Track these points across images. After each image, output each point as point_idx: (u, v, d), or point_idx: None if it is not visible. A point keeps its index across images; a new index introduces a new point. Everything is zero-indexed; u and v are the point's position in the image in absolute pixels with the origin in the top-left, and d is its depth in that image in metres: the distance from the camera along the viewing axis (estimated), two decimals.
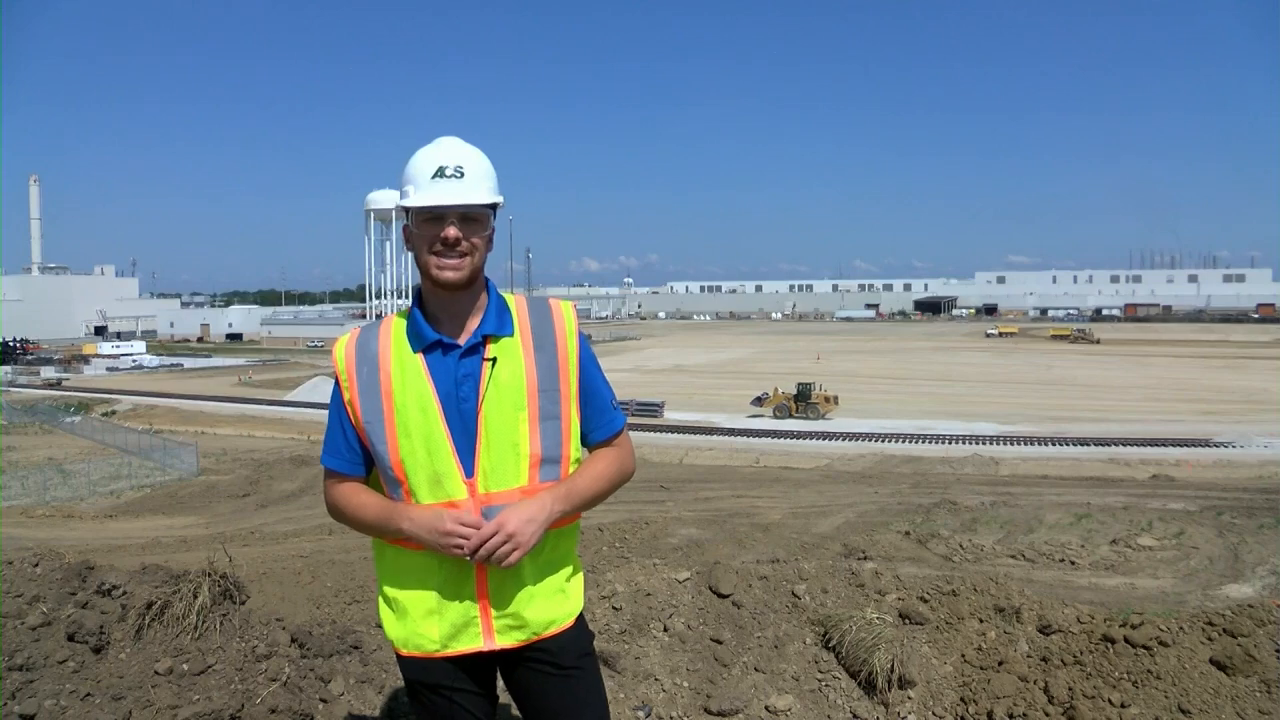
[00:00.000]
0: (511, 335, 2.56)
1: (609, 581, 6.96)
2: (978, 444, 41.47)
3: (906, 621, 5.23)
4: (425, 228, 2.48)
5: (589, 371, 2.65)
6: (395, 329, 2.56)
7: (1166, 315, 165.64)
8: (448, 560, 2.48)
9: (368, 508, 2.56)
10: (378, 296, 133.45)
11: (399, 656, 2.65)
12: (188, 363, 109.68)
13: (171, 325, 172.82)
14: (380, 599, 2.66)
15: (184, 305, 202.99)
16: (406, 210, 2.51)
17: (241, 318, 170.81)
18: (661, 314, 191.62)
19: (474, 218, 2.50)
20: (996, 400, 55.56)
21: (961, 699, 4.73)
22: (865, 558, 15.80)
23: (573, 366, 2.61)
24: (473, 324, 2.54)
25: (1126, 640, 4.70)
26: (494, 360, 2.52)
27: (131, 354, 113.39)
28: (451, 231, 2.46)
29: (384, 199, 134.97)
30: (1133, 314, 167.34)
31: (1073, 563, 18.53)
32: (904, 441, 42.49)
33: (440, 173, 2.48)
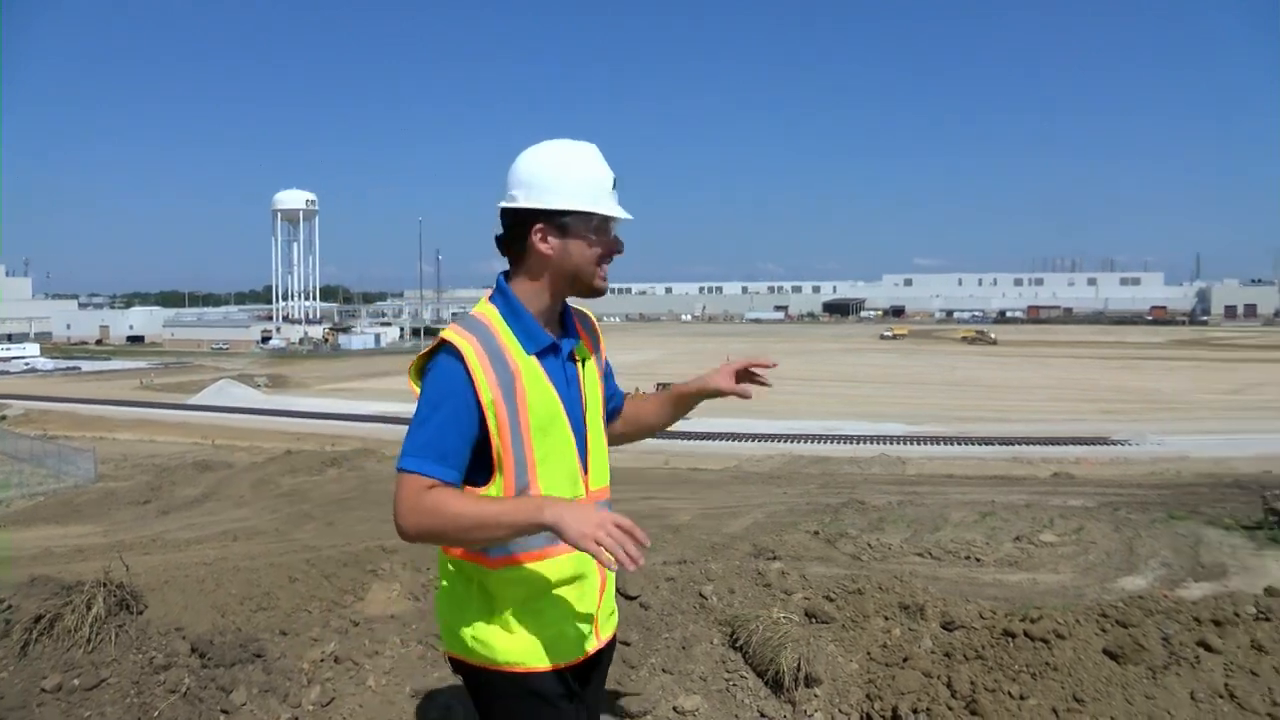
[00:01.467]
0: (581, 340, 2.65)
1: None
2: (885, 444, 42.00)
3: (813, 620, 5.28)
4: (601, 235, 2.48)
5: (608, 366, 2.84)
6: (500, 327, 2.45)
7: (1067, 317, 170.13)
8: (574, 561, 2.46)
9: (485, 505, 2.27)
10: (285, 298, 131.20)
11: (511, 675, 2.45)
12: (85, 366, 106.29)
13: (68, 327, 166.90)
14: (491, 626, 2.45)
15: (81, 306, 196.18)
16: (567, 212, 2.43)
17: (143, 319, 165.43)
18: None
19: None
20: (903, 401, 56.40)
21: (867, 696, 4.79)
22: (774, 557, 15.91)
23: (601, 367, 2.76)
24: (560, 328, 2.59)
25: (1026, 634, 4.81)
26: (583, 362, 2.62)
27: (24, 356, 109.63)
28: (620, 243, 2.53)
29: (291, 199, 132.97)
30: (1035, 316, 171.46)
31: (978, 560, 18.86)
32: (812, 442, 42.90)
33: (616, 184, 2.50)
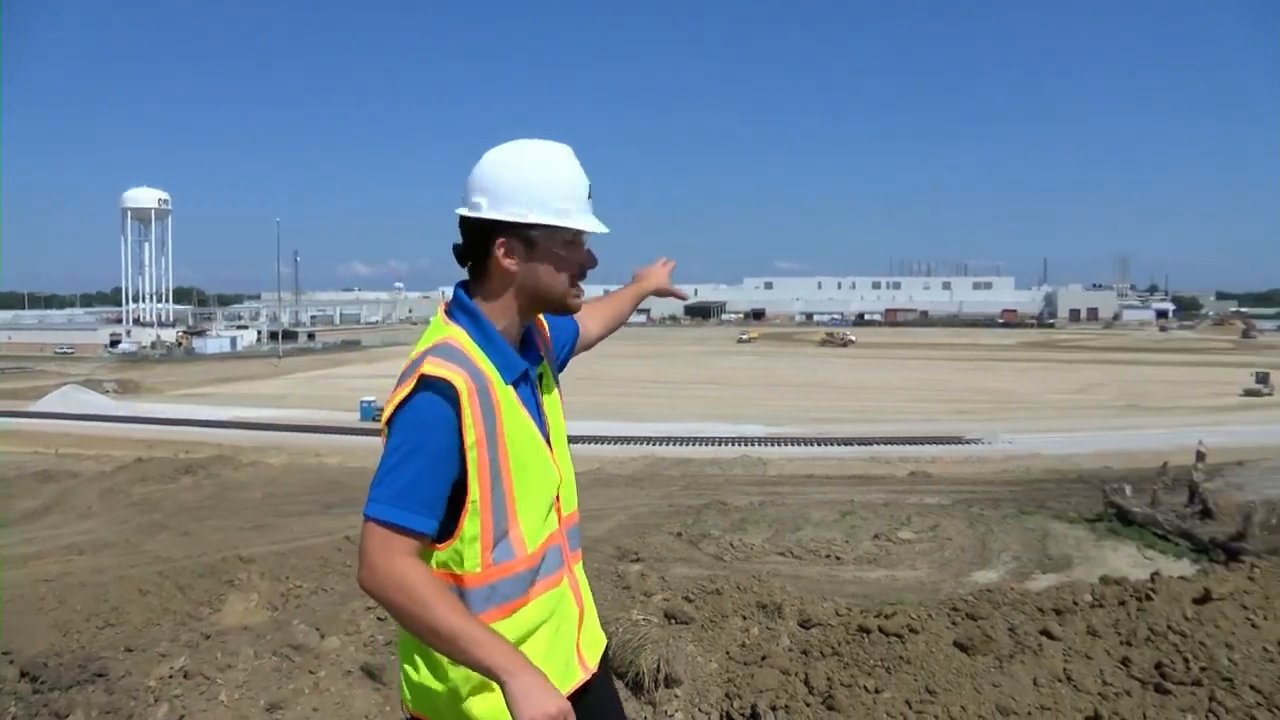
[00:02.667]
0: (541, 358, 2.44)
1: None
2: (746, 446, 42.42)
3: (672, 621, 5.31)
4: (572, 250, 2.25)
5: (555, 323, 2.62)
6: (477, 356, 2.19)
7: (923, 320, 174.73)
8: (550, 600, 2.26)
9: (449, 613, 1.99)
10: (135, 300, 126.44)
11: None
12: None
13: None
14: (465, 683, 2.18)
15: None
16: (534, 226, 2.20)
17: None
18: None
19: None
20: (764, 402, 57.09)
21: (726, 694, 4.83)
22: (637, 559, 15.99)
23: (553, 353, 2.58)
24: (519, 348, 2.34)
25: (880, 630, 4.92)
26: (542, 379, 2.41)
27: None
28: (594, 257, 2.31)
29: (142, 197, 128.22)
30: (893, 319, 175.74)
31: (838, 558, 19.27)
32: (674, 444, 43.15)
33: (590, 194, 2.27)
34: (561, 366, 2.66)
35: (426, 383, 2.08)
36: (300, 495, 28.60)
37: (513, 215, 2.17)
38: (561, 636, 2.30)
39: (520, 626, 2.19)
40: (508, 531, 2.16)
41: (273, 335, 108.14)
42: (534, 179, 2.20)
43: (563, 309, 2.32)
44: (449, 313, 2.29)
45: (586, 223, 2.23)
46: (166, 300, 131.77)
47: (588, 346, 2.94)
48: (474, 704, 2.18)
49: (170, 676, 5.36)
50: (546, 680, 1.95)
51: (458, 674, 2.17)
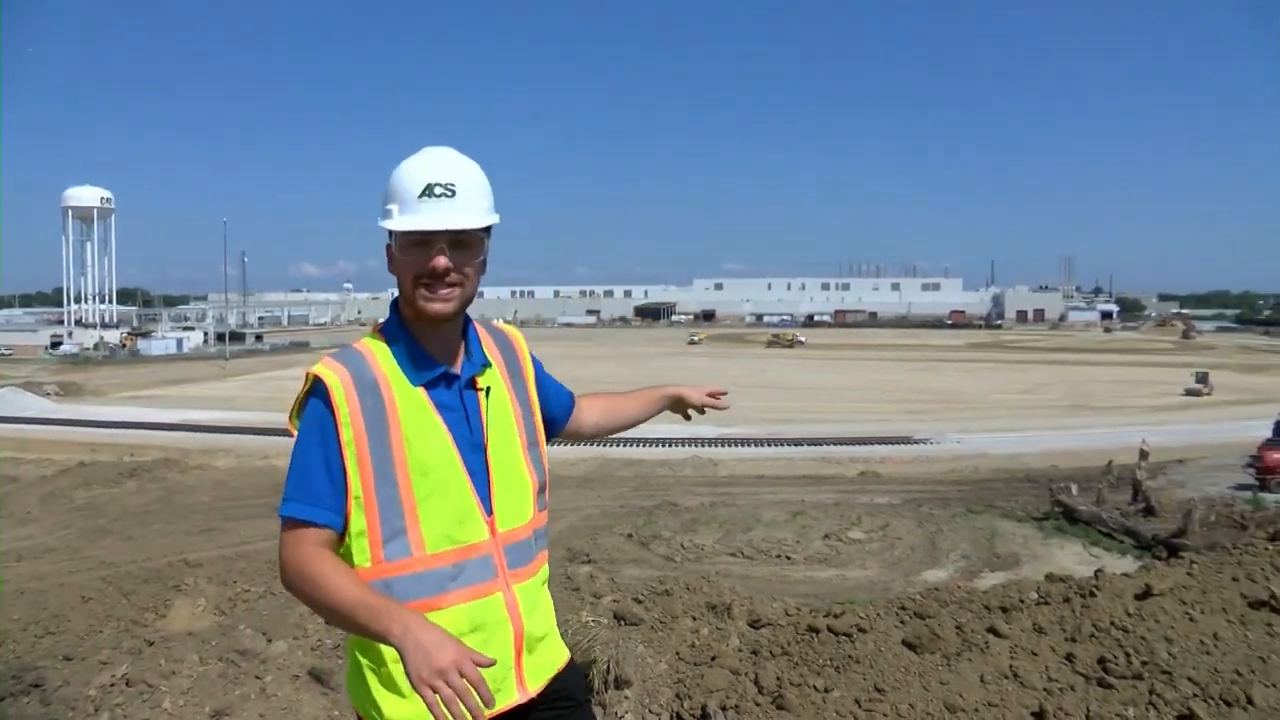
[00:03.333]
0: (491, 365, 2.41)
1: None
2: (697, 446, 42.39)
3: (622, 622, 5.31)
4: (411, 253, 2.21)
5: (542, 380, 2.63)
6: (382, 356, 2.24)
7: (872, 321, 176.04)
8: (471, 611, 2.22)
9: (347, 590, 2.00)
10: (77, 300, 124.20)
11: None
12: None
13: None
14: (373, 675, 2.21)
15: None
16: (390, 231, 2.23)
17: None
18: (382, 320, 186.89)
19: (466, 243, 2.23)
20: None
21: (676, 695, 4.83)
22: (588, 561, 16.00)
23: (533, 390, 2.54)
24: (460, 352, 2.35)
25: (829, 629, 4.95)
26: (488, 390, 2.36)
27: None
28: (441, 261, 2.19)
29: (84, 195, 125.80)
30: (842, 320, 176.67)
31: (789, 558, 19.41)
32: (625, 445, 42.99)
33: (429, 191, 2.18)
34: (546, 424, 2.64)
35: (310, 383, 2.19)
36: (249, 498, 28.29)
37: (378, 223, 2.25)
38: (489, 653, 2.13)
39: None
40: (404, 530, 2.17)
41: (220, 336, 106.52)
42: (387, 184, 2.25)
43: (418, 314, 2.25)
44: (384, 320, 2.36)
45: (403, 222, 2.20)
46: (110, 301, 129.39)
47: (579, 433, 2.96)
48: (383, 700, 2.20)
49: (111, 685, 5.27)
50: (441, 633, 1.90)
51: (371, 669, 2.22)
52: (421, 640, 1.86)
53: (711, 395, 3.07)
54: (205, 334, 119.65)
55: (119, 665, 5.47)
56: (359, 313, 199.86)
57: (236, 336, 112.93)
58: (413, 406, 2.20)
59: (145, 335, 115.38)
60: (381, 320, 2.36)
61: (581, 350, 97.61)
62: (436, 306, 2.22)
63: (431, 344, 2.28)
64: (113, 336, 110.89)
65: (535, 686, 2.36)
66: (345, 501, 2.15)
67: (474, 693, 1.82)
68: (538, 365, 2.62)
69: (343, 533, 2.17)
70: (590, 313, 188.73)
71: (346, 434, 2.13)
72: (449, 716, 1.78)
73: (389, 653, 2.11)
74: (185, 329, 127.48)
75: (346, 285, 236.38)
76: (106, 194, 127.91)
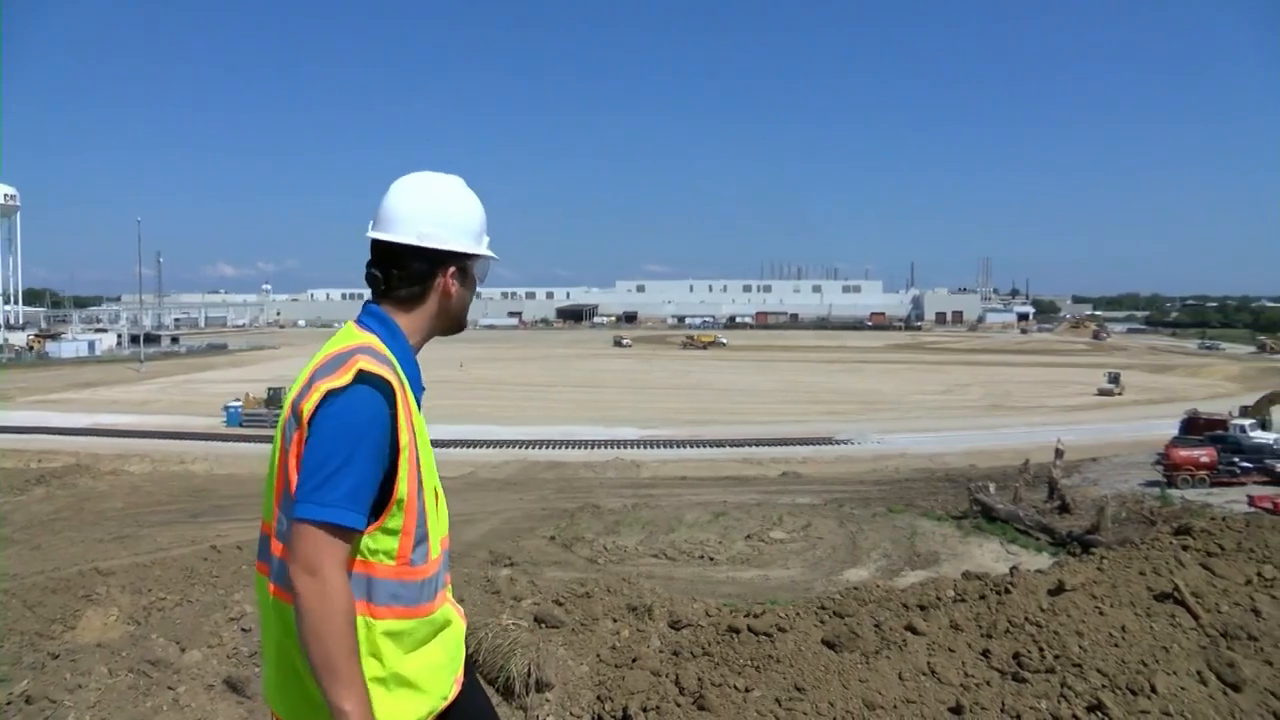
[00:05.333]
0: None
1: (237, 602, 6.61)
2: (619, 448, 42.49)
3: (543, 625, 5.28)
4: (481, 277, 2.49)
5: None
6: (396, 366, 2.23)
7: (794, 323, 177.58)
8: (448, 607, 2.35)
9: (352, 650, 2.04)
10: None
11: None
12: None
13: None
14: (385, 687, 2.18)
15: None
16: (465, 255, 2.41)
17: None
18: (302, 322, 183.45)
19: None
20: (637, 405, 57.10)
21: (598, 697, 4.82)
22: (511, 564, 15.91)
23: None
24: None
25: (750, 629, 4.97)
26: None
27: None
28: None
29: None
30: (764, 321, 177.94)
31: (711, 559, 19.49)
32: (547, 447, 42.99)
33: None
34: None
35: (365, 377, 2.09)
36: (165, 504, 27.73)
37: (464, 247, 2.38)
38: (455, 646, 2.37)
39: (423, 632, 2.24)
40: (426, 537, 2.22)
41: (134, 339, 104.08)
42: (472, 214, 2.43)
43: (461, 328, 2.50)
44: (361, 322, 2.32)
45: (491, 251, 2.48)
46: (15, 301, 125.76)
47: None
48: (406, 700, 2.21)
49: (9, 703, 5.10)
50: None
51: (391, 681, 2.21)
52: None
53: None
54: (119, 336, 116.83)
55: (18, 682, 5.29)
56: (278, 314, 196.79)
57: (151, 338, 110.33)
58: (419, 417, 2.26)
59: (54, 337, 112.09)
60: (365, 324, 2.32)
61: (504, 352, 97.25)
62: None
63: (416, 358, 2.38)
64: (19, 338, 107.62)
65: (464, 670, 2.48)
66: (389, 504, 2.15)
67: None
68: None
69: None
70: (512, 314, 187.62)
71: (405, 437, 2.13)
72: None
73: (385, 660, 2.17)
74: (97, 331, 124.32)
75: (265, 286, 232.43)
76: (10, 190, 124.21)
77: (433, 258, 2.33)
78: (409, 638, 2.20)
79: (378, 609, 2.15)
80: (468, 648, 2.63)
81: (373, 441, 2.06)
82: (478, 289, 2.52)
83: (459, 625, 2.40)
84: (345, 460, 2.02)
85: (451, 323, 2.45)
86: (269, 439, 2.33)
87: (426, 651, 2.25)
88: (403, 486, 2.13)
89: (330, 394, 2.06)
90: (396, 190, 2.36)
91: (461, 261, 2.38)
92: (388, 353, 2.21)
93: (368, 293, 2.39)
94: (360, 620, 2.12)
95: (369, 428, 2.06)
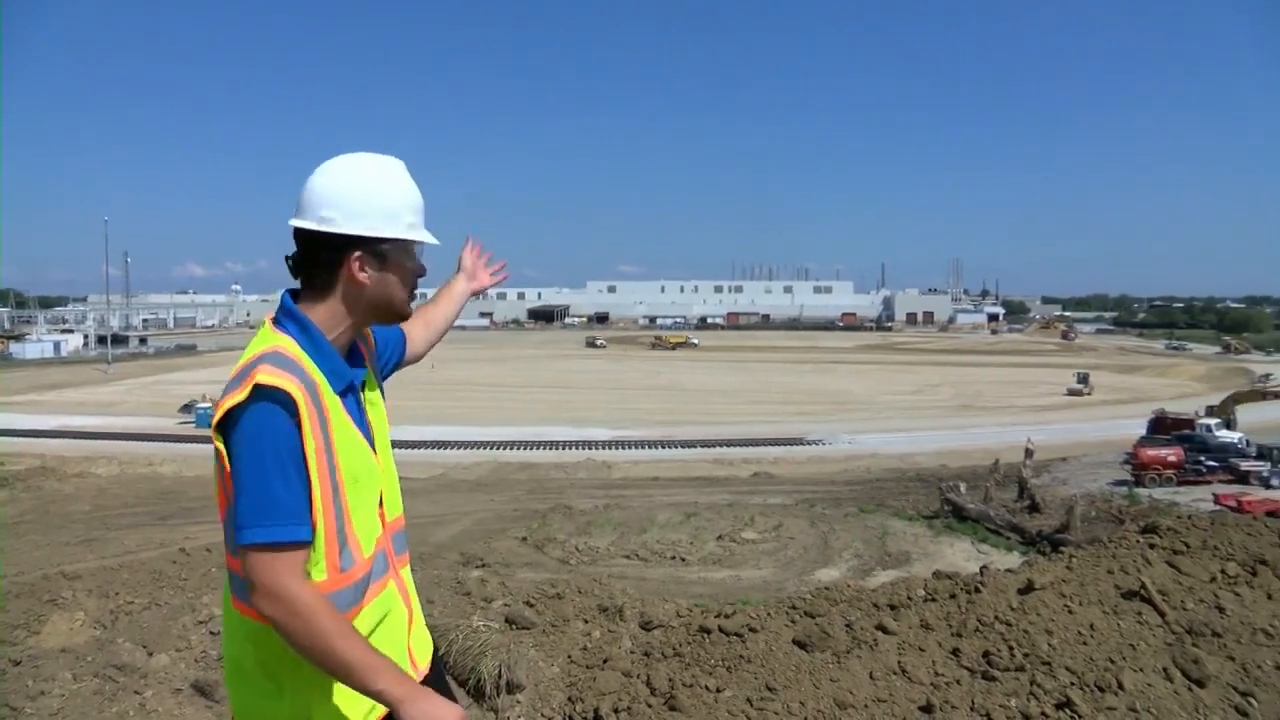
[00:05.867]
0: (366, 368, 2.43)
1: (205, 605, 6.57)
2: (591, 449, 42.49)
3: (513, 627, 5.26)
4: (413, 261, 2.33)
5: (379, 338, 2.63)
6: (308, 363, 2.16)
7: (765, 323, 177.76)
8: (380, 603, 2.27)
9: (349, 641, 2.02)
10: None
11: None
12: None
13: None
14: (301, 692, 2.17)
15: None
16: (387, 240, 2.25)
17: None
18: (275, 321, 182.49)
19: None
20: (608, 406, 57.03)
21: (569, 699, 4.81)
22: (482, 565, 15.87)
23: (379, 362, 2.58)
24: (346, 357, 2.32)
25: (721, 629, 4.97)
26: (364, 385, 2.39)
27: None
28: (425, 267, 2.37)
29: None
30: (735, 322, 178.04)
31: (683, 559, 19.51)
32: (519, 449, 42.92)
33: (420, 208, 2.35)
34: (385, 376, 2.64)
35: (263, 392, 2.04)
36: (133, 506, 27.49)
37: (369, 230, 2.22)
38: (393, 639, 2.31)
39: (361, 630, 2.18)
40: (349, 538, 2.16)
41: (101, 339, 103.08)
42: (384, 194, 2.26)
43: (400, 318, 2.38)
44: (276, 321, 2.25)
45: (428, 236, 2.34)
46: None
47: (416, 358, 2.94)
48: (315, 711, 2.18)
49: None
50: (439, 698, 2.04)
51: (288, 683, 2.17)
52: (426, 709, 2.00)
53: (493, 272, 3.21)
54: (85, 337, 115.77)
55: None
56: (248, 315, 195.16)
57: (119, 339, 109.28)
58: (338, 415, 2.18)
59: (18, 338, 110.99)
60: (278, 320, 2.27)
61: (475, 353, 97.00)
62: (412, 307, 2.41)
63: (338, 348, 2.27)
64: None
65: (424, 664, 2.44)
66: (309, 515, 2.09)
67: None
68: (375, 331, 2.59)
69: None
70: (483, 315, 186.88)
71: (310, 445, 2.08)
72: None
73: (305, 668, 2.09)
74: (63, 331, 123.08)
75: (235, 287, 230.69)
76: None
77: (337, 243, 2.21)
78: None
79: None
80: (438, 649, 2.62)
81: (287, 454, 2.04)
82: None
83: (398, 614, 2.34)
84: (268, 477, 2.03)
85: (376, 313, 2.31)
86: None
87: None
88: (317, 496, 2.09)
89: (231, 413, 2.05)
90: (313, 175, 2.28)
91: (371, 246, 2.23)
92: (298, 354, 2.16)
93: None
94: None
95: (277, 441, 2.04)
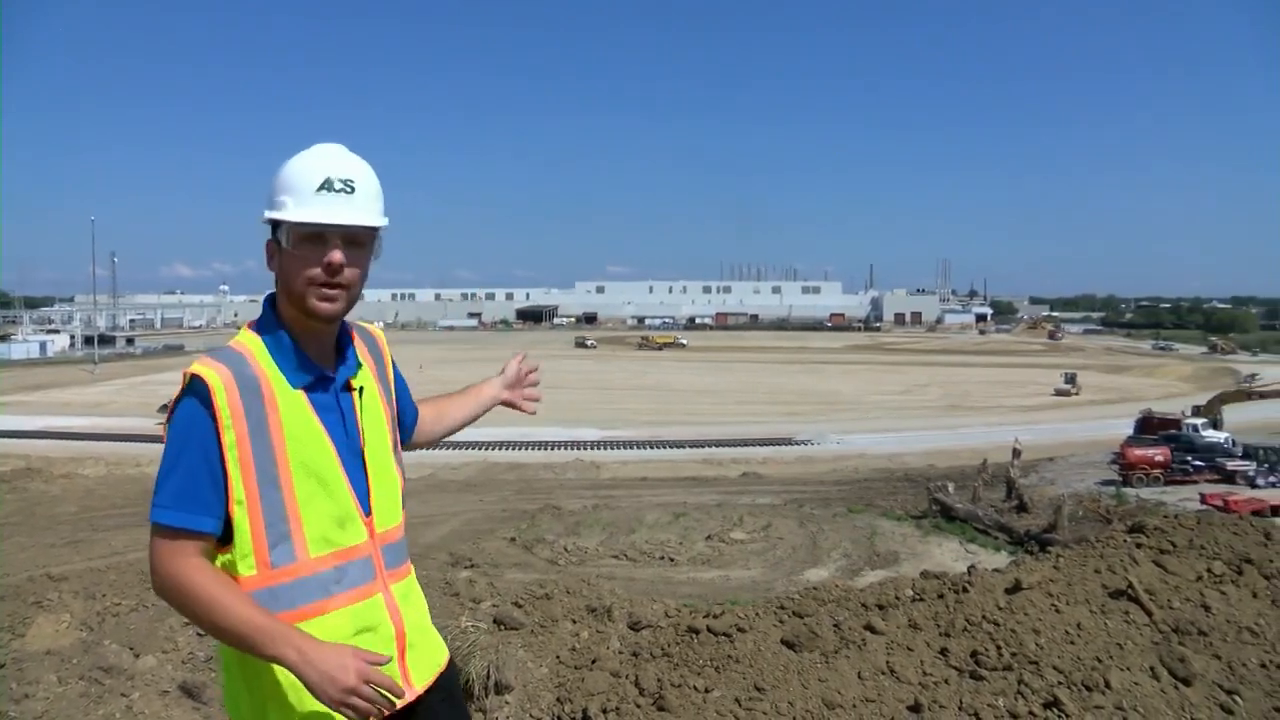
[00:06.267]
0: (363, 366, 2.37)
1: None
2: (580, 449, 42.50)
3: (502, 627, 5.26)
4: (304, 248, 2.14)
5: (400, 388, 2.61)
6: (260, 356, 2.16)
7: (753, 323, 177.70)
8: (355, 615, 2.20)
9: (233, 609, 1.99)
10: None
11: None
12: None
13: None
14: (261, 692, 2.15)
15: None
16: (276, 224, 2.17)
17: None
18: (254, 319, 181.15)
19: (359, 241, 2.20)
20: (597, 406, 56.94)
21: (558, 699, 4.80)
22: (471, 565, 15.86)
23: (393, 391, 2.52)
24: (335, 354, 2.30)
25: (709, 629, 4.97)
26: (361, 391, 2.32)
27: None
28: (336, 256, 2.14)
29: None
30: (723, 322, 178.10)
31: (672, 559, 19.53)
32: (508, 449, 42.88)
33: (328, 185, 2.14)
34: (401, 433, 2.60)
35: (188, 382, 2.09)
36: (121, 507, 27.37)
37: (271, 212, 2.18)
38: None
39: (319, 636, 2.12)
40: (289, 534, 2.13)
41: (88, 340, 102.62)
42: (279, 177, 2.19)
43: (306, 312, 2.19)
44: (254, 322, 2.27)
45: (301, 214, 2.14)
46: None
47: (418, 443, 2.90)
48: (270, 712, 2.16)
49: None
50: (333, 650, 1.98)
51: (252, 680, 2.16)
52: (319, 664, 1.94)
53: (528, 396, 3.11)
54: (72, 337, 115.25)
55: None
56: (235, 315, 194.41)
57: (106, 339, 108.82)
58: (293, 408, 2.15)
59: (4, 338, 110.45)
60: (253, 319, 2.29)
61: (464, 353, 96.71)
62: (326, 306, 2.17)
63: (310, 345, 2.24)
64: None
65: (421, 683, 2.35)
66: (226, 507, 2.08)
67: (383, 694, 1.98)
68: (396, 373, 2.60)
69: (220, 539, 2.10)
70: (472, 315, 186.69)
71: (229, 436, 2.06)
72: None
73: (271, 666, 2.08)
74: (50, 332, 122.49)
75: (223, 287, 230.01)
76: None
77: (272, 230, 2.21)
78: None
79: None
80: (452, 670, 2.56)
81: (194, 442, 2.05)
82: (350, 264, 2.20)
83: (382, 631, 2.26)
84: (171, 464, 2.06)
85: (293, 302, 2.20)
86: None
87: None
88: (238, 487, 2.08)
89: (170, 407, 2.12)
90: None
91: (273, 231, 2.19)
92: (250, 348, 2.18)
93: None
94: None
95: (185, 429, 2.06)
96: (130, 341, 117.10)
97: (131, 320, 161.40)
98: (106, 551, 18.44)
